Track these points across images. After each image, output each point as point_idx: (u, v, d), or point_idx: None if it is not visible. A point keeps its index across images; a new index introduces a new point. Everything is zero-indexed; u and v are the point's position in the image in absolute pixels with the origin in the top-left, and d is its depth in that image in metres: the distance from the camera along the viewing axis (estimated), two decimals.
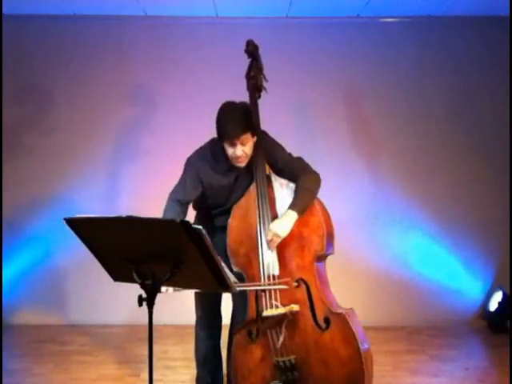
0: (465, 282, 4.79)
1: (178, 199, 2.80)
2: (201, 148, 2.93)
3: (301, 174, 2.80)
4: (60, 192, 4.71)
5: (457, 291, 4.77)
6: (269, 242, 2.67)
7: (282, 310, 2.62)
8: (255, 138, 2.78)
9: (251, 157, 2.79)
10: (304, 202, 2.73)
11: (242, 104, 2.78)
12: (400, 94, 4.78)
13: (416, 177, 4.78)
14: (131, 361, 3.88)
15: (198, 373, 3.10)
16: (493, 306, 4.66)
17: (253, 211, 2.75)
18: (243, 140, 2.69)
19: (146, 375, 2.52)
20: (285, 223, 2.67)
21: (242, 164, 2.78)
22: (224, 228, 2.83)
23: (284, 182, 2.82)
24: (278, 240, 2.67)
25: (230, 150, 2.73)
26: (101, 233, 2.07)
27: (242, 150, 2.70)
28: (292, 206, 2.70)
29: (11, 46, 4.65)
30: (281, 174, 2.85)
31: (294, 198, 2.74)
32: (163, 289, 2.30)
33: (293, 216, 2.67)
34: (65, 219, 2.02)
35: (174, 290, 2.41)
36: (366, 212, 4.75)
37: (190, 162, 2.88)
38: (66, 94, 4.75)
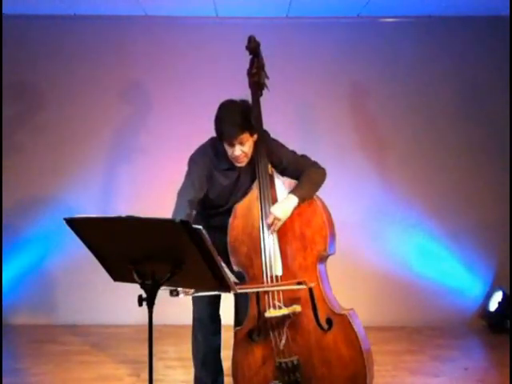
0: (465, 282, 4.79)
1: (188, 199, 2.72)
2: (202, 146, 2.91)
3: (306, 168, 2.81)
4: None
5: (457, 291, 4.77)
6: (269, 226, 2.67)
7: (284, 311, 2.60)
8: (255, 137, 2.76)
9: (253, 156, 2.78)
10: (306, 189, 2.72)
11: (241, 102, 2.76)
12: (400, 94, 4.79)
13: (416, 177, 4.78)
14: (131, 361, 3.87)
15: (196, 375, 3.08)
16: (493, 306, 4.66)
17: (255, 211, 2.74)
18: (241, 140, 2.68)
19: (145, 375, 2.51)
20: (285, 206, 2.67)
21: (242, 164, 2.78)
22: (223, 228, 2.80)
23: (287, 181, 2.81)
24: (279, 223, 2.66)
25: (229, 150, 2.73)
26: (101, 233, 2.06)
27: (240, 150, 2.70)
28: (293, 191, 2.70)
29: (7, 45, 4.65)
30: (285, 172, 2.84)
31: (297, 185, 2.74)
32: (181, 295, 2.31)
33: (293, 200, 2.67)
34: (65, 219, 2.01)
35: (188, 294, 2.41)
36: (367, 212, 4.75)
37: (194, 160, 2.85)
38: (64, 93, 4.77)
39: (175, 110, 4.73)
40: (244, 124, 2.67)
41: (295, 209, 2.69)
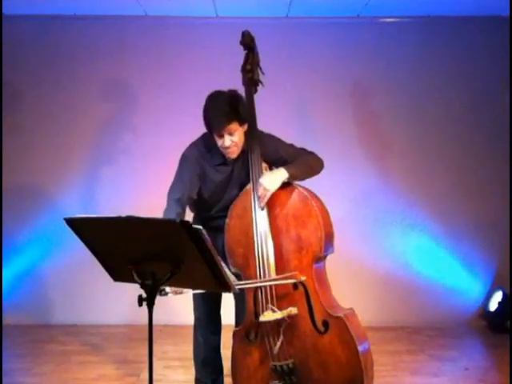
0: (465, 282, 4.79)
1: (177, 198, 2.69)
2: (194, 143, 2.87)
3: (305, 155, 2.80)
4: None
5: (457, 291, 4.77)
6: (259, 198, 2.64)
7: (278, 315, 2.54)
8: (245, 127, 2.71)
9: (246, 153, 2.75)
10: (298, 169, 2.70)
11: (230, 92, 2.69)
12: (399, 95, 4.79)
13: (416, 177, 4.78)
14: (131, 361, 3.88)
15: (196, 376, 3.08)
16: (493, 306, 4.66)
17: (249, 211, 2.69)
18: (230, 130, 2.63)
19: (146, 375, 2.52)
20: (273, 177, 2.64)
21: (234, 155, 2.73)
22: (221, 229, 2.78)
23: None
24: (268, 194, 2.62)
25: (219, 142, 2.68)
26: (101, 233, 2.06)
27: (230, 140, 2.65)
28: (285, 167, 2.67)
29: (6, 46, 4.63)
30: (285, 165, 2.79)
31: (291, 163, 2.71)
32: (169, 294, 2.29)
33: (283, 173, 2.64)
34: (65, 219, 2.02)
35: (177, 293, 2.40)
36: (367, 211, 4.75)
37: (185, 157, 2.82)
38: (63, 93, 4.76)
39: (175, 110, 4.71)
40: (232, 113, 2.61)
41: (291, 204, 2.65)
